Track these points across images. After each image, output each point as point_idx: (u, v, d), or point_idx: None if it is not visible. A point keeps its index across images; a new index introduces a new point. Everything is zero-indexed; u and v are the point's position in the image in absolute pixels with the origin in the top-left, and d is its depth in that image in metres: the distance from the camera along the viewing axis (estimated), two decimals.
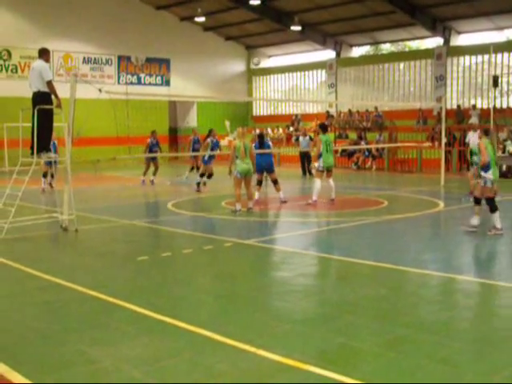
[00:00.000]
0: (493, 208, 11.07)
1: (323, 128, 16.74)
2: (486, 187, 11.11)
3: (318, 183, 15.69)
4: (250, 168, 14.44)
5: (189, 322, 6.22)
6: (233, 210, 14.16)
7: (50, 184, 19.55)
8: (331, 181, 16.00)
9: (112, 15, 35.99)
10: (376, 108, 33.74)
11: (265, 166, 16.14)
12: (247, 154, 14.39)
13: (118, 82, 36.65)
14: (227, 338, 5.76)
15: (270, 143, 17.51)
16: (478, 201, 11.39)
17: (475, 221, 11.35)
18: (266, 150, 16.43)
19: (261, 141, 16.62)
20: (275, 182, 16.07)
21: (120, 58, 37.03)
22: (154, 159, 21.89)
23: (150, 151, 21.89)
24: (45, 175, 19.38)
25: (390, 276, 8.45)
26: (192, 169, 22.09)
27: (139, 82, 37.80)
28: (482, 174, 11.15)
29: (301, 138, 27.66)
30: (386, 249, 10.60)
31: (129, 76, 37.48)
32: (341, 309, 6.86)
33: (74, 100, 11.83)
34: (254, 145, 16.14)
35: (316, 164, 16.38)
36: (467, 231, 11.34)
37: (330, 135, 33.64)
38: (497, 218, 11.05)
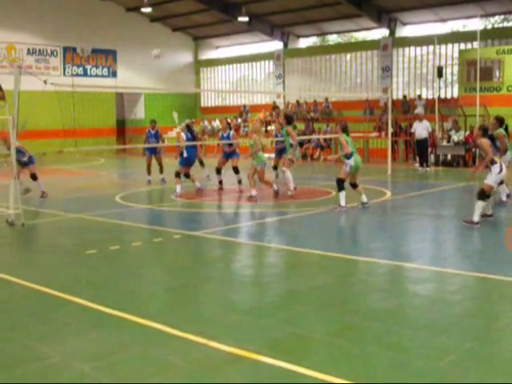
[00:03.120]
0: (339, 188, 13.06)
1: (289, 119, 16.53)
2: (345, 171, 13.21)
3: (289, 173, 15.71)
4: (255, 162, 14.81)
5: (139, 315, 6.19)
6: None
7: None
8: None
9: (57, 5, 35.41)
10: (327, 99, 33.96)
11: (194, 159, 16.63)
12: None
13: (64, 74, 36.13)
14: (178, 330, 5.75)
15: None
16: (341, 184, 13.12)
17: (343, 202, 13.01)
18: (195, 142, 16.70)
19: (191, 133, 16.69)
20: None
21: (65, 49, 36.48)
22: (154, 154, 19.02)
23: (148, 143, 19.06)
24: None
25: (339, 265, 8.54)
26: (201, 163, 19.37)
27: (85, 74, 37.33)
28: (345, 160, 13.27)
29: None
30: (335, 238, 10.73)
31: (75, 67, 36.97)
32: (290, 298, 6.91)
33: (18, 92, 11.60)
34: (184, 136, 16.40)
35: (290, 156, 15.99)
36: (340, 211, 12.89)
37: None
38: (342, 197, 12.97)
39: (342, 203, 12.96)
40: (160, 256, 9.51)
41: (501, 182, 12.81)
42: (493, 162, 11.07)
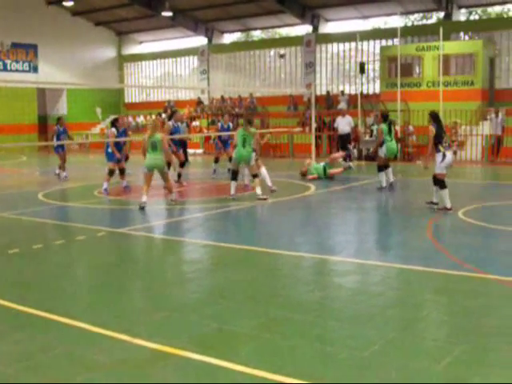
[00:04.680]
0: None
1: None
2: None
3: (264, 171, 15.23)
4: (158, 163, 13.09)
5: (63, 315, 6.10)
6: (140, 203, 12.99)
7: None
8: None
9: None
10: (251, 94, 34.10)
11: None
12: (158, 148, 13.01)
13: None
14: (103, 329, 5.70)
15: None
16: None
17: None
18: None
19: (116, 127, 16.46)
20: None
21: None
22: (62, 150, 19.29)
23: (58, 140, 19.30)
24: None
25: (264, 259, 8.62)
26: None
27: (5, 69, 36.34)
28: None
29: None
30: (260, 233, 10.81)
31: None
32: (216, 294, 6.93)
33: None
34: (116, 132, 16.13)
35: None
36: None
37: (203, 122, 33.75)
38: (258, 187, 13.63)
39: (259, 192, 13.61)
40: (84, 254, 9.37)
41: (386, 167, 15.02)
42: (436, 151, 11.69)
